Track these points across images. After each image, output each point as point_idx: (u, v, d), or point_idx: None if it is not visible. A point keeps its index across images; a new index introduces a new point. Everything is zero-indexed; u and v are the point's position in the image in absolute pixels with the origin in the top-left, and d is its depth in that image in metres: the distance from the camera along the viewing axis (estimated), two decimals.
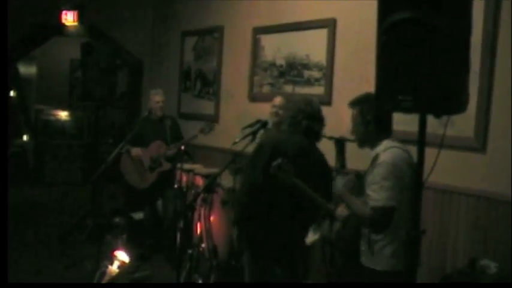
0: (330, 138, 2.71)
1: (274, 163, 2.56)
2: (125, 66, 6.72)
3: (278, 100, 3.96)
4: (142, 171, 4.65)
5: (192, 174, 4.17)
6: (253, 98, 4.83)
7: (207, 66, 5.51)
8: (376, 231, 2.22)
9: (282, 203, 2.67)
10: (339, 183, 2.50)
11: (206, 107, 5.44)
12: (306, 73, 4.28)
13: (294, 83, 4.38)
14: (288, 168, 2.55)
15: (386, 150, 2.24)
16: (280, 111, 3.88)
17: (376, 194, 2.15)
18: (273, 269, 2.73)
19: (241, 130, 3.90)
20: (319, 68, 4.17)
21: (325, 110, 3.02)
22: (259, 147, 2.79)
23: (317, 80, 4.19)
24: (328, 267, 2.78)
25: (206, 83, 5.54)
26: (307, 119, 2.77)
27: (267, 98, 4.27)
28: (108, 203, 5.49)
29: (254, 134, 3.03)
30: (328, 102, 4.03)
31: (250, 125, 3.76)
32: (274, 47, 4.60)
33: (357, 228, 2.35)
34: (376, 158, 2.25)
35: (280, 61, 4.55)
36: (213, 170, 4.24)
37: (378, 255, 2.24)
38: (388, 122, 2.35)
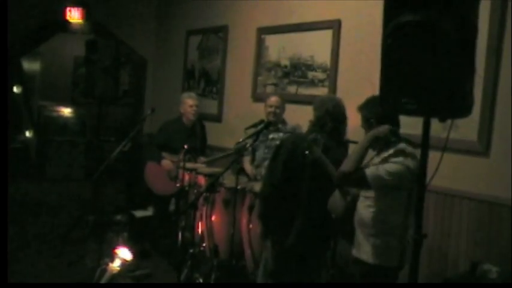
0: (353, 142, 2.76)
1: (311, 136, 2.66)
2: (129, 64, 6.74)
3: (274, 100, 3.95)
4: (168, 180, 4.57)
5: (195, 173, 4.16)
6: (257, 98, 4.83)
7: (211, 66, 5.52)
8: (340, 181, 2.32)
9: (302, 199, 2.71)
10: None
11: (210, 106, 5.45)
12: (310, 74, 4.29)
13: (298, 83, 4.38)
14: (319, 144, 2.65)
15: (399, 156, 2.26)
16: (278, 111, 3.92)
17: (375, 168, 2.21)
18: (295, 263, 2.77)
19: (244, 130, 3.96)
20: (323, 69, 4.17)
21: None
22: (279, 146, 2.86)
23: (321, 81, 4.19)
24: (330, 268, 2.80)
25: (210, 82, 5.55)
26: (333, 121, 2.82)
27: (266, 98, 4.23)
28: (110, 200, 5.51)
29: (257, 134, 3.04)
30: None
31: (254, 125, 3.83)
32: (279, 48, 4.61)
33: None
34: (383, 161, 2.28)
35: (284, 61, 4.56)
36: (216, 170, 4.22)
37: (362, 244, 2.31)
38: (392, 125, 2.36)
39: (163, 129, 4.68)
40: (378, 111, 2.30)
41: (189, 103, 4.61)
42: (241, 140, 3.28)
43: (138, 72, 6.65)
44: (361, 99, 2.52)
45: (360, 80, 3.84)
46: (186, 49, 5.92)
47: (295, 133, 2.98)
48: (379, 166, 2.24)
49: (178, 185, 4.24)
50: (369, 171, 2.23)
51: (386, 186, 2.22)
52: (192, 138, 4.58)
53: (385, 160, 2.27)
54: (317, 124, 2.85)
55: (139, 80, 6.65)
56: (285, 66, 4.55)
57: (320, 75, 4.20)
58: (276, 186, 2.81)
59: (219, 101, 5.36)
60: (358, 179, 2.22)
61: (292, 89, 4.46)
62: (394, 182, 2.20)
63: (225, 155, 4.07)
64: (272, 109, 3.92)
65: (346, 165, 2.27)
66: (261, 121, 3.84)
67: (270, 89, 4.70)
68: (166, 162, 4.54)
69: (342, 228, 2.54)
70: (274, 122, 3.83)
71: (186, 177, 4.17)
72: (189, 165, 4.23)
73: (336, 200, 2.55)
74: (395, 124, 2.39)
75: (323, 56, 4.17)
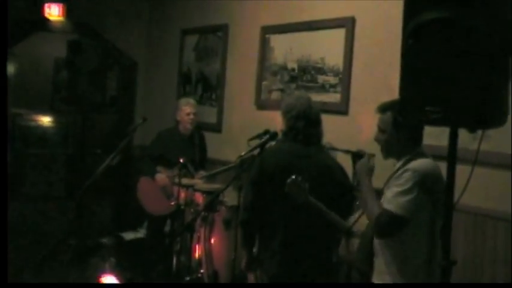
0: (347, 152, 2.73)
1: (289, 180, 2.64)
2: (117, 67, 6.77)
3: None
4: (163, 198, 4.63)
5: (192, 190, 4.18)
6: (261, 105, 4.87)
7: (209, 69, 5.57)
8: (378, 235, 2.30)
9: (284, 219, 2.75)
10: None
11: (208, 114, 5.49)
12: (321, 78, 4.32)
13: (307, 89, 4.41)
14: (303, 186, 2.65)
15: (417, 159, 2.30)
16: None
17: (393, 197, 2.22)
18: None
19: (247, 142, 3.90)
20: (335, 72, 4.21)
21: (341, 121, 3.06)
22: (255, 162, 2.92)
23: (333, 86, 4.22)
24: None
25: (208, 88, 5.59)
26: (308, 126, 2.88)
27: (277, 106, 4.18)
28: (95, 221, 5.50)
29: (262, 146, 3.03)
30: (345, 112, 4.06)
31: (258, 136, 3.76)
32: (285, 49, 4.65)
33: (371, 243, 2.42)
34: (403, 166, 2.31)
35: (291, 64, 4.59)
36: (215, 186, 4.25)
37: (382, 272, 2.32)
38: (421, 131, 2.40)
39: (157, 139, 4.72)
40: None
41: (186, 110, 4.66)
42: (244, 153, 3.27)
43: (127, 76, 6.67)
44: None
45: (376, 85, 3.85)
46: (182, 50, 5.97)
47: (269, 147, 3.02)
48: (390, 198, 2.24)
49: (173, 203, 4.24)
50: (395, 206, 2.22)
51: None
52: (190, 150, 4.62)
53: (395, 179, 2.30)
54: (290, 133, 2.89)
55: (129, 85, 6.68)
56: (293, 70, 4.58)
57: (331, 79, 4.23)
58: (249, 210, 2.85)
59: (219, 109, 5.40)
60: (393, 222, 2.22)
61: None
62: (418, 193, 2.22)
63: (226, 168, 4.10)
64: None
65: (372, 212, 2.27)
66: (266, 131, 3.72)
67: (275, 95, 4.73)
68: (162, 177, 4.57)
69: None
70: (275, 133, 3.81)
71: (182, 195, 4.18)
72: (185, 180, 4.25)
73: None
74: (417, 135, 2.40)
75: (335, 58, 4.20)
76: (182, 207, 4.22)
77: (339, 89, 4.16)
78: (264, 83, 4.86)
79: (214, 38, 5.49)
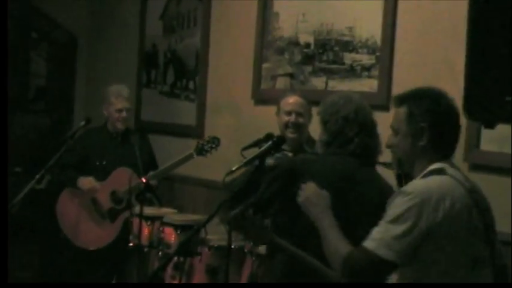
0: (384, 164, 2.81)
1: (233, 212, 2.80)
2: (46, 45, 6.74)
3: (292, 101, 3.98)
4: (95, 219, 4.73)
5: (159, 225, 4.18)
6: (261, 98, 4.88)
7: (184, 46, 5.58)
8: (348, 279, 2.38)
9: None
10: None
11: (183, 112, 5.50)
12: (349, 57, 4.31)
13: (329, 73, 4.40)
14: (255, 222, 2.79)
15: (427, 177, 2.34)
16: (300, 120, 3.95)
17: (376, 232, 2.30)
18: None
19: (240, 152, 3.83)
20: (370, 49, 4.20)
21: (379, 118, 3.08)
22: (271, 173, 2.99)
23: (366, 68, 4.22)
24: None
25: (184, 73, 5.59)
26: (359, 134, 2.92)
27: (281, 98, 4.21)
28: (15, 269, 5.48)
29: (262, 158, 3.03)
30: (385, 106, 4.05)
31: (256, 144, 3.82)
32: (296, 15, 4.65)
33: None
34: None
35: (305, 38, 4.59)
36: (193, 218, 4.28)
37: None
38: (453, 135, 2.44)
39: (78, 141, 4.81)
40: (435, 115, 2.37)
41: (116, 106, 4.85)
42: (234, 167, 3.26)
43: (61, 58, 6.65)
44: None
45: (429, 67, 3.87)
46: (143, 19, 6.00)
47: (301, 155, 3.07)
48: (373, 233, 2.31)
49: (131, 244, 4.25)
50: (375, 244, 2.28)
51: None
52: (126, 155, 4.75)
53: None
54: (332, 143, 2.95)
55: (64, 71, 6.65)
56: (307, 46, 4.57)
57: (365, 58, 4.22)
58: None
59: (199, 105, 5.41)
60: (369, 267, 2.29)
61: (318, 82, 4.48)
62: (410, 227, 2.26)
63: (188, 156, 4.48)
64: (291, 117, 3.93)
65: (337, 252, 2.38)
66: (268, 136, 3.75)
67: (282, 82, 4.73)
68: (87, 180, 4.75)
69: None
70: (293, 140, 3.85)
71: (145, 232, 4.19)
72: (148, 210, 4.25)
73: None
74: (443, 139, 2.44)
75: (370, 28, 4.19)
76: (145, 249, 4.23)
77: (375, 72, 4.16)
78: (265, 65, 4.86)
79: (192, 0, 5.52)
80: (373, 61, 4.19)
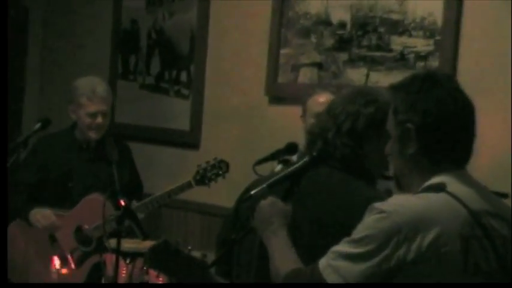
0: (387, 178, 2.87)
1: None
2: None
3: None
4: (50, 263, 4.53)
5: (143, 263, 4.14)
6: (278, 95, 4.91)
7: (175, 23, 5.58)
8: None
9: None
10: None
11: (173, 113, 5.51)
12: (398, 42, 4.37)
13: (371, 62, 4.44)
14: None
15: (417, 193, 2.34)
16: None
17: (332, 252, 2.34)
18: None
19: (252, 167, 3.97)
20: (427, 31, 4.24)
21: None
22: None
23: (423, 56, 4.28)
24: None
25: (173, 60, 5.60)
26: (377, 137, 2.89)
27: (308, 96, 4.27)
28: None
29: (297, 177, 2.96)
30: None
31: (274, 156, 3.94)
32: None
33: None
34: None
35: (338, 15, 4.62)
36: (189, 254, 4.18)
37: None
38: (457, 139, 2.38)
39: (33, 154, 4.81)
40: (425, 113, 2.32)
41: (88, 108, 4.67)
42: (254, 192, 3.20)
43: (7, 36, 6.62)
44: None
45: (506, 55, 3.94)
46: None
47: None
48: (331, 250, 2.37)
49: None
50: (324, 263, 2.35)
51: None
52: (99, 173, 4.72)
53: None
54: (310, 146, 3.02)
55: (11, 55, 6.61)
56: (342, 26, 4.60)
57: (421, 44, 4.27)
58: None
59: (194, 103, 5.41)
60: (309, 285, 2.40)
61: (356, 74, 4.53)
62: (374, 251, 2.24)
63: (186, 184, 4.52)
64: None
65: (283, 269, 2.50)
66: (290, 147, 3.91)
67: (307, 74, 4.74)
68: (42, 213, 4.60)
69: None
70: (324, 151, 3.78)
71: (123, 273, 4.15)
72: (128, 244, 4.21)
73: None
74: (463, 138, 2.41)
75: (427, 3, 4.24)
76: None
77: (434, 62, 4.22)
78: (283, 51, 4.87)
79: None
80: (432, 47, 4.26)
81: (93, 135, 4.69)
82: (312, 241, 2.78)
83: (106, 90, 4.77)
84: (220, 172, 4.48)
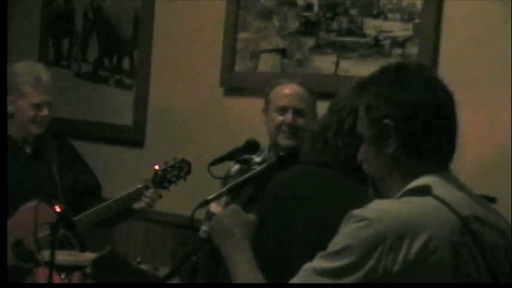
0: None
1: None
2: None
3: (290, 91, 4.12)
4: None
5: (81, 278, 3.99)
6: (234, 85, 4.91)
7: (115, 3, 5.56)
8: None
9: None
10: None
11: (114, 105, 5.48)
12: (371, 26, 4.39)
13: (341, 49, 4.45)
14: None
15: (400, 198, 2.34)
16: (301, 120, 4.12)
17: (308, 264, 2.33)
18: None
19: (207, 168, 4.05)
20: (405, 14, 4.28)
21: None
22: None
23: (400, 42, 4.33)
24: None
25: (114, 45, 5.57)
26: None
27: (271, 87, 4.26)
28: None
29: (261, 179, 2.94)
30: None
31: (231, 155, 4.03)
32: None
33: None
34: None
35: None
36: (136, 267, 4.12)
37: None
38: (439, 133, 2.40)
39: None
40: (404, 106, 2.32)
41: (32, 98, 4.58)
42: (211, 197, 3.16)
43: None
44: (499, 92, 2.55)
45: (494, 43, 4.01)
46: None
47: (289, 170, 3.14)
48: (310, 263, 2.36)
49: None
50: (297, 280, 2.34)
51: None
52: (39, 176, 4.65)
53: None
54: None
55: None
56: (308, 8, 4.61)
57: (397, 28, 4.31)
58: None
59: (138, 95, 5.39)
60: None
61: (324, 62, 4.55)
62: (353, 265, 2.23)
63: (135, 190, 4.42)
64: (286, 116, 4.03)
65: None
66: (250, 145, 4.00)
67: (268, 62, 4.74)
68: None
69: None
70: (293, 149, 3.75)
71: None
72: (63, 256, 4.11)
73: None
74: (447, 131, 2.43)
75: None
76: None
77: (413, 49, 4.28)
78: (241, 35, 4.85)
79: None
80: (410, 32, 4.30)
81: (35, 129, 4.60)
82: (302, 253, 2.66)
83: (50, 77, 4.67)
84: (182, 174, 4.44)
